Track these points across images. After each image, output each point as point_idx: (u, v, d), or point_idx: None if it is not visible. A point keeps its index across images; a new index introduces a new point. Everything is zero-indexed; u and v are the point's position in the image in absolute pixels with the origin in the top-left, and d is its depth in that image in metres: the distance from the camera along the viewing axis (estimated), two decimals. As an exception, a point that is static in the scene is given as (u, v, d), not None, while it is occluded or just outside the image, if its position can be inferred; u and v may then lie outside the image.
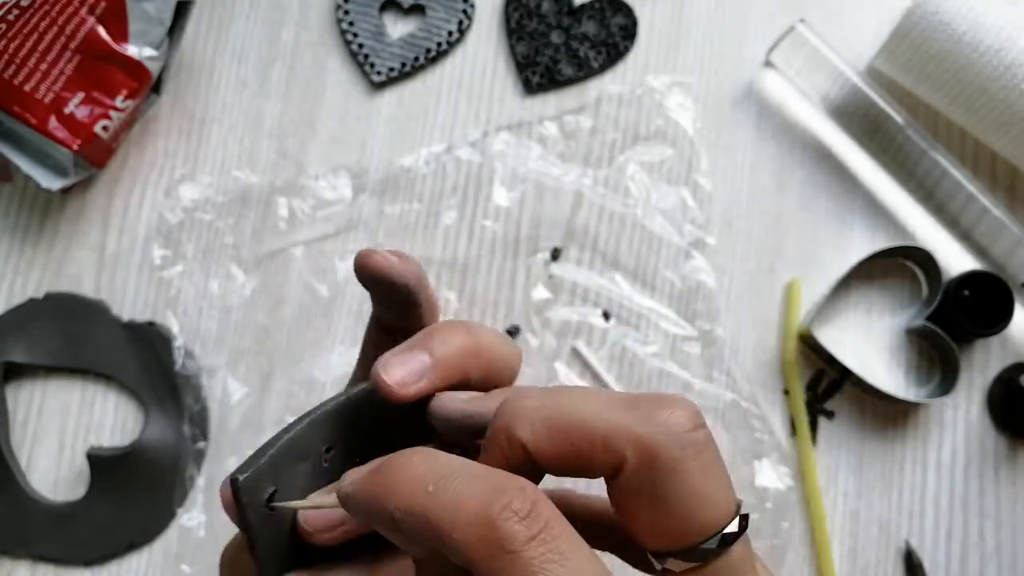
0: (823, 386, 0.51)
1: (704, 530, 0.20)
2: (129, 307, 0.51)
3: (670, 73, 0.54)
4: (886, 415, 0.51)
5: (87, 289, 0.52)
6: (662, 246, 0.52)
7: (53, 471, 0.50)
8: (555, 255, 0.52)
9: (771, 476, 0.49)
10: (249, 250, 0.52)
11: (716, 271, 0.52)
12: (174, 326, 0.51)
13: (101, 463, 0.48)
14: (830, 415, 0.51)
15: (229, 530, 0.49)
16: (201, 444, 0.49)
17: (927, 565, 0.49)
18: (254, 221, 0.52)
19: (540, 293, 0.52)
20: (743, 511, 0.20)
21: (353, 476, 0.22)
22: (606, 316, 0.51)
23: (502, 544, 0.18)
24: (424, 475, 0.20)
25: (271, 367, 0.51)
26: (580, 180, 0.53)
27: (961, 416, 0.51)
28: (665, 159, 0.53)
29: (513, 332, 0.51)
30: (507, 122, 0.54)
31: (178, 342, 0.50)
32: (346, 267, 0.52)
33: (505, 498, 0.19)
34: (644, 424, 0.20)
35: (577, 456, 0.20)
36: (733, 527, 0.20)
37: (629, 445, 0.20)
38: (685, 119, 0.53)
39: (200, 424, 0.50)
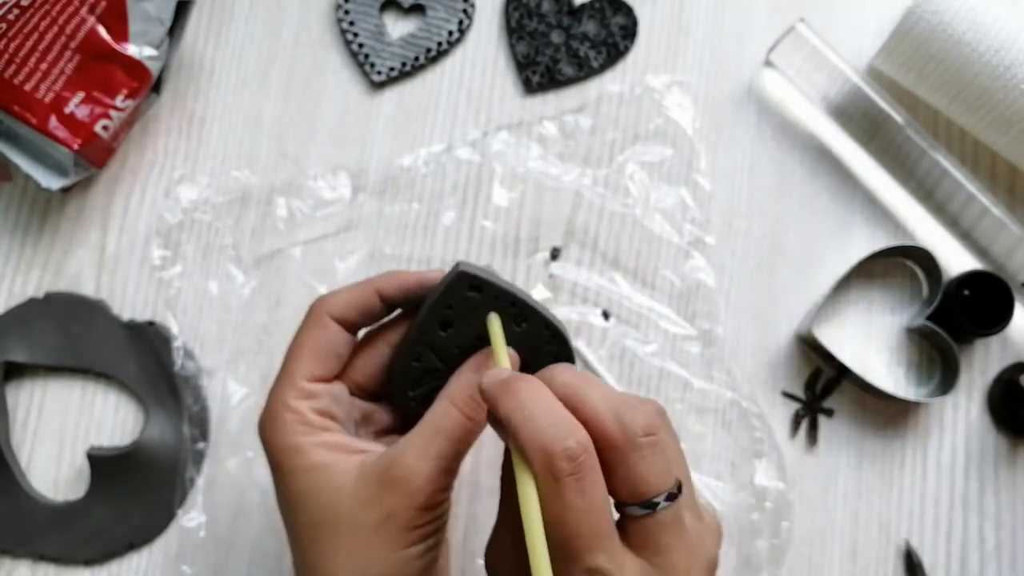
0: (820, 384, 0.51)
1: (641, 497, 0.29)
2: (129, 307, 0.51)
3: (670, 72, 0.55)
4: (886, 414, 0.51)
5: (87, 289, 0.52)
6: (661, 246, 0.52)
7: (53, 471, 0.50)
8: (555, 255, 0.52)
9: (771, 475, 0.49)
10: (248, 250, 0.52)
11: (716, 271, 0.52)
12: (174, 326, 0.51)
13: (101, 463, 0.48)
14: (829, 413, 0.51)
15: (228, 531, 0.49)
16: (201, 445, 0.49)
17: (927, 565, 0.49)
18: (253, 221, 0.52)
19: (540, 293, 0.52)
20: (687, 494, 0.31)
21: (492, 379, 0.31)
22: (606, 316, 0.51)
23: (552, 470, 0.28)
24: (526, 403, 0.29)
25: (271, 367, 0.51)
26: (579, 180, 0.53)
27: (961, 416, 0.51)
28: (664, 159, 0.53)
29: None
30: (507, 122, 0.54)
31: (177, 342, 0.50)
32: (345, 267, 0.52)
33: (564, 443, 0.28)
34: (613, 423, 0.29)
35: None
36: (661, 499, 0.29)
37: (600, 433, 0.29)
38: (684, 119, 0.53)
39: (200, 424, 0.50)
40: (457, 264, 0.36)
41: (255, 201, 0.52)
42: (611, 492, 0.30)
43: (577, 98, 0.54)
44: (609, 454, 0.29)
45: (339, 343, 0.37)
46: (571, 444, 0.28)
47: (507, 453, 0.32)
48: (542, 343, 0.37)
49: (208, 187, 0.53)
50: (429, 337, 0.37)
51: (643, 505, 0.29)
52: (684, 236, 0.52)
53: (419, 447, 0.34)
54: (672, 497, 0.30)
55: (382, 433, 0.40)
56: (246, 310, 0.51)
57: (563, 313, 0.51)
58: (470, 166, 0.53)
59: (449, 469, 0.34)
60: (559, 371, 0.31)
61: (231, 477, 0.49)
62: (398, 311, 0.40)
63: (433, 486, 0.33)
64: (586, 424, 0.29)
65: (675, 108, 0.54)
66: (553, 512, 0.28)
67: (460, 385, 0.35)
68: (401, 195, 0.53)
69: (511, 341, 0.36)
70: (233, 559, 0.48)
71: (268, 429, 0.36)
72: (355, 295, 0.37)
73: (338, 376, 0.38)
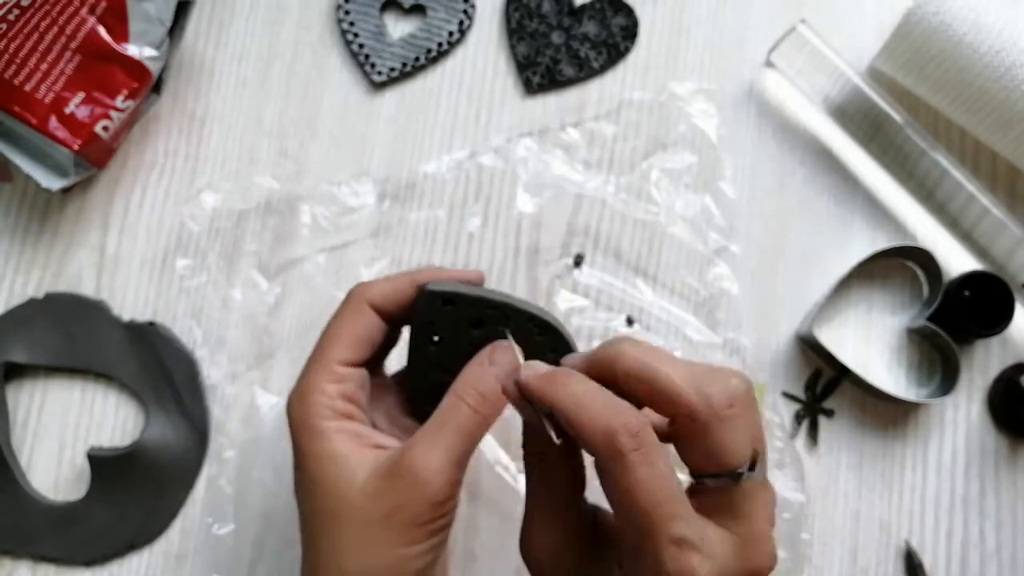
0: (821, 385, 0.51)
1: (726, 468, 0.29)
2: (129, 307, 0.51)
3: (670, 72, 0.55)
4: (886, 415, 0.51)
5: (87, 289, 0.52)
6: (685, 253, 0.52)
7: (53, 471, 0.50)
8: (578, 261, 0.52)
9: (790, 487, 0.49)
10: (272, 257, 0.52)
11: (734, 278, 0.52)
12: (197, 333, 0.51)
13: (101, 463, 0.48)
14: (829, 414, 0.51)
15: (230, 532, 0.49)
16: (204, 446, 0.49)
17: (927, 565, 0.49)
18: (277, 228, 0.52)
19: (564, 299, 0.51)
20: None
21: (532, 373, 0.33)
22: (630, 322, 0.51)
23: (617, 447, 0.29)
24: (576, 392, 0.31)
25: (295, 372, 0.50)
26: (603, 187, 0.53)
27: (961, 416, 0.51)
28: (689, 166, 0.53)
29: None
30: (507, 123, 0.54)
31: (202, 351, 0.50)
32: (369, 274, 0.52)
33: (623, 419, 0.29)
34: (695, 395, 0.29)
35: (651, 400, 0.30)
36: (744, 468, 0.29)
37: (682, 406, 0.29)
38: (708, 126, 0.53)
39: (201, 426, 0.49)
40: (424, 286, 0.37)
41: (277, 208, 0.52)
42: (693, 464, 0.31)
43: (578, 99, 0.54)
44: (691, 426, 0.30)
45: (374, 330, 0.38)
46: (630, 420, 0.29)
47: (527, 434, 0.32)
48: (531, 336, 0.38)
49: (231, 194, 0.52)
50: (425, 355, 0.38)
51: (727, 476, 0.29)
52: (709, 244, 0.52)
53: (428, 440, 0.34)
54: (753, 466, 0.30)
55: (392, 414, 0.40)
56: (270, 317, 0.51)
57: (586, 319, 0.51)
58: (493, 172, 0.53)
59: (458, 463, 0.34)
60: (629, 346, 0.32)
61: (233, 479, 0.49)
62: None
63: (442, 479, 0.33)
64: (665, 398, 0.30)
65: (699, 115, 0.53)
66: (625, 487, 0.29)
67: (466, 380, 0.36)
68: (425, 201, 0.53)
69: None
70: (234, 559, 0.48)
71: (297, 408, 0.36)
72: (394, 286, 0.38)
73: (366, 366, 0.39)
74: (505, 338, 0.37)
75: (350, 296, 0.38)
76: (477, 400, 0.35)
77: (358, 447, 0.35)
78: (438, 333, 0.37)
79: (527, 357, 0.37)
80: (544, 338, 0.37)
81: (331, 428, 0.35)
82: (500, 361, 0.36)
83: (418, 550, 0.34)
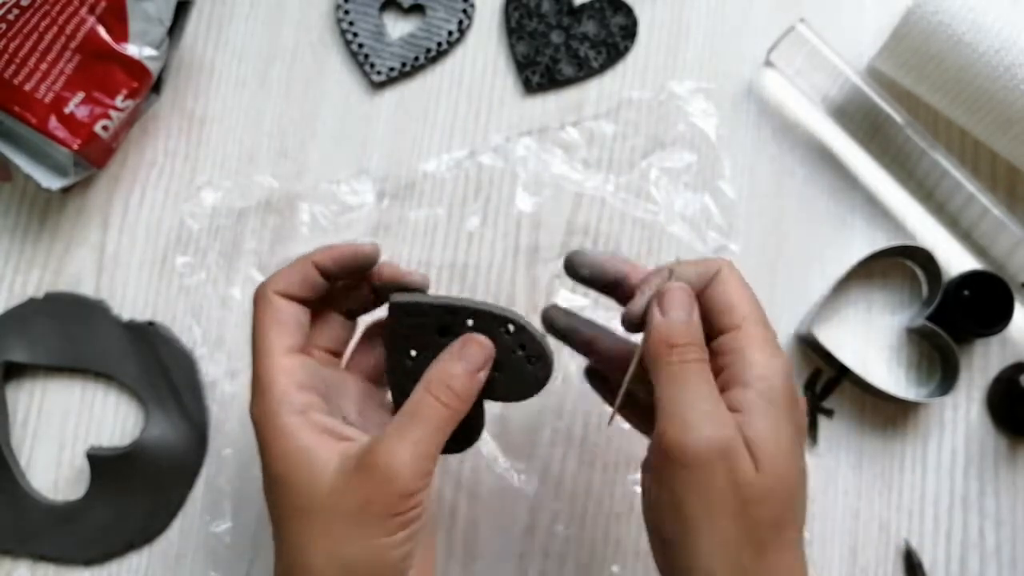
0: (821, 384, 0.51)
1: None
2: (129, 307, 0.51)
3: (669, 72, 0.55)
4: (886, 414, 0.51)
5: (87, 289, 0.52)
6: (684, 252, 0.52)
7: (53, 471, 0.50)
8: None
9: None
10: (271, 256, 0.52)
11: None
12: (197, 332, 0.51)
13: (101, 463, 0.48)
14: (829, 413, 0.51)
15: (229, 530, 0.49)
16: (205, 446, 0.49)
17: (927, 565, 0.49)
18: (276, 227, 0.52)
19: (563, 298, 0.51)
20: None
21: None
22: None
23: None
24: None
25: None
26: (603, 186, 0.53)
27: (961, 416, 0.51)
28: (688, 165, 0.53)
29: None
30: (507, 122, 0.54)
31: (201, 350, 0.50)
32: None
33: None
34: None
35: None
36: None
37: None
38: (708, 125, 0.53)
39: (201, 425, 0.49)
40: (390, 298, 0.37)
41: (277, 206, 0.52)
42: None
43: (577, 98, 0.54)
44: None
45: (296, 314, 0.38)
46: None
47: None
48: (499, 334, 0.38)
49: (231, 192, 0.52)
50: (404, 369, 0.38)
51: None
52: (708, 243, 0.52)
53: (396, 434, 0.34)
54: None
55: (362, 407, 0.40)
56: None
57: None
58: (493, 171, 0.53)
59: (427, 456, 0.34)
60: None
61: (232, 477, 0.49)
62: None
63: (411, 472, 0.34)
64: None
65: (699, 114, 0.53)
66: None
67: (436, 374, 0.36)
68: (425, 200, 0.53)
69: None
70: (233, 557, 0.48)
71: (256, 408, 0.36)
72: (293, 270, 0.38)
73: (308, 352, 0.39)
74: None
75: (255, 295, 0.38)
76: (447, 395, 0.35)
77: (324, 441, 0.35)
78: (412, 347, 0.38)
79: (497, 355, 0.37)
80: (511, 336, 0.38)
81: (293, 424, 0.35)
82: (469, 355, 0.36)
83: (394, 540, 0.34)
